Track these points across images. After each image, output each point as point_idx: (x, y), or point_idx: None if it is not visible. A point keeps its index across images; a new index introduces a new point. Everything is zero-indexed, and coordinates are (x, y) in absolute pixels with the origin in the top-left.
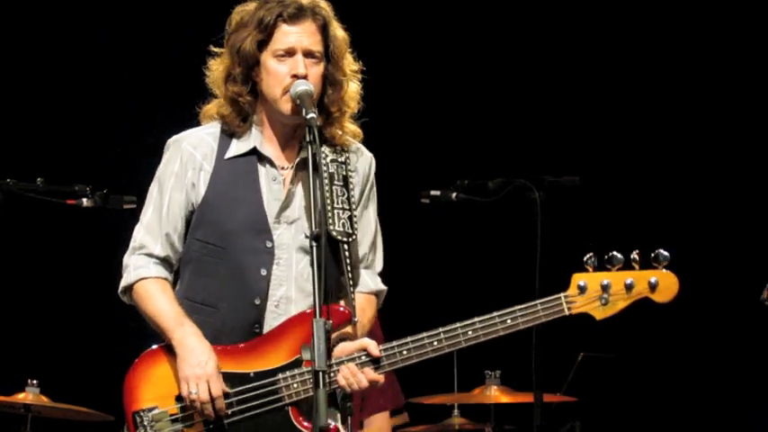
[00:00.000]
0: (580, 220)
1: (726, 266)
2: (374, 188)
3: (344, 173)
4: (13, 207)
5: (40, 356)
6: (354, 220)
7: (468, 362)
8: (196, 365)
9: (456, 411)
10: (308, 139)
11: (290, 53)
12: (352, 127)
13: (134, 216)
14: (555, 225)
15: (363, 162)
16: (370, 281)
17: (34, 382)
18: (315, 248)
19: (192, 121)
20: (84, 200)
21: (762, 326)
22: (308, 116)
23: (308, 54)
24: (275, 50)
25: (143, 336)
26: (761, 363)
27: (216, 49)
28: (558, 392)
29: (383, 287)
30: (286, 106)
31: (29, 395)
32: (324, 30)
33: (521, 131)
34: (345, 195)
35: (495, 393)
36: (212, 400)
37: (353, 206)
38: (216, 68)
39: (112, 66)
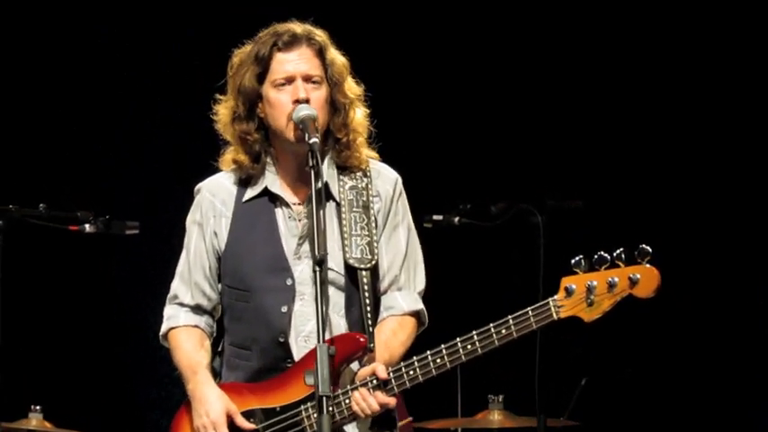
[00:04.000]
0: (583, 244)
1: (726, 276)
2: (404, 207)
3: (365, 198)
4: (16, 233)
5: (44, 382)
6: (375, 245)
7: (471, 386)
8: (203, 414)
9: None
10: (310, 164)
11: (289, 80)
12: (367, 152)
13: (136, 241)
14: (557, 249)
15: (385, 184)
16: (403, 302)
17: (38, 407)
18: (318, 273)
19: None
20: (87, 226)
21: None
22: (311, 141)
23: (307, 79)
24: (274, 80)
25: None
26: (761, 363)
27: (220, 96)
28: (561, 417)
29: (419, 307)
30: (291, 133)
31: (32, 421)
32: (321, 55)
33: (523, 155)
34: (365, 221)
35: (498, 418)
36: None
37: (374, 231)
38: (221, 112)
39: (112, 66)
